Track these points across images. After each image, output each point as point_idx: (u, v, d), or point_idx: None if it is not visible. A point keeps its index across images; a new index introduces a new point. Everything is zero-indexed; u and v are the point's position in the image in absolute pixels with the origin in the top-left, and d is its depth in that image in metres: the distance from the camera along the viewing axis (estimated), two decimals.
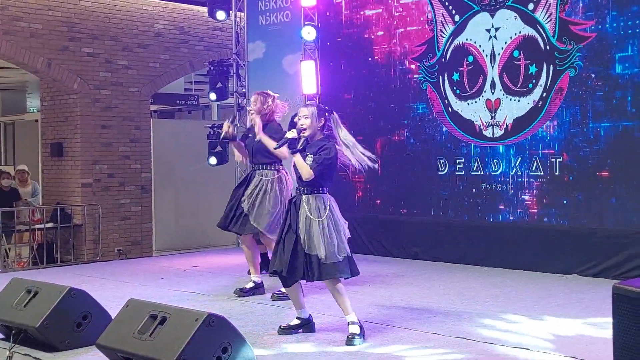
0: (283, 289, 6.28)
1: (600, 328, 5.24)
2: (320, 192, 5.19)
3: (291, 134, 5.25)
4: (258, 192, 6.65)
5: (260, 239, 7.08)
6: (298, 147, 5.20)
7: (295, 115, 5.37)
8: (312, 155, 5.15)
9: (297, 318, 5.38)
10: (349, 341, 5.06)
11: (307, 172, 5.12)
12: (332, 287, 5.16)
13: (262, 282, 6.92)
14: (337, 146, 5.19)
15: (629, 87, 7.21)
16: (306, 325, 5.38)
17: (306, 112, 5.24)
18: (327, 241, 5.07)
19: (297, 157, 5.18)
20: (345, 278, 5.18)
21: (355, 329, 5.12)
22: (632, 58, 7.16)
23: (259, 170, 6.73)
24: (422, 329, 5.45)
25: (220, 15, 10.80)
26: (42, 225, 10.56)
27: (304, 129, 5.21)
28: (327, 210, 5.15)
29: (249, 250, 6.91)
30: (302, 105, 5.46)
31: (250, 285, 6.86)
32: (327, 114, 5.26)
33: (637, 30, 7.10)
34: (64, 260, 10.43)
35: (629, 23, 7.15)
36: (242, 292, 6.79)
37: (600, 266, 7.32)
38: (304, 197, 5.19)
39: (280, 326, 5.40)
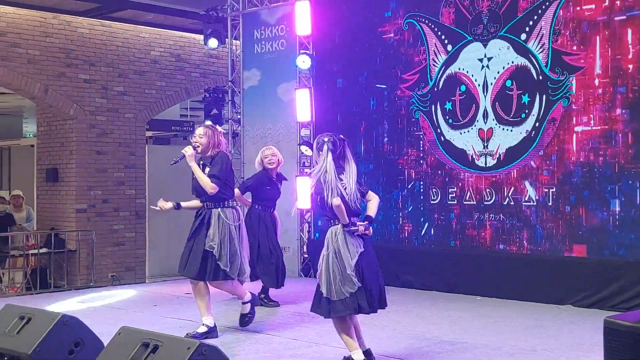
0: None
1: None
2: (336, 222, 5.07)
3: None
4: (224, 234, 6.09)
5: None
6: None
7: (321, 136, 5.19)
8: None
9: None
10: None
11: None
12: None
13: (215, 325, 6.21)
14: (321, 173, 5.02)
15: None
16: None
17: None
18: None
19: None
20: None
21: None
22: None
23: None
24: (413, 359, 5.44)
25: (213, 42, 10.70)
26: (35, 251, 10.54)
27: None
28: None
29: (205, 293, 6.18)
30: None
31: (202, 329, 6.07)
32: (343, 142, 5.11)
33: None
34: (57, 285, 10.40)
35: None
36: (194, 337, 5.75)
37: (594, 297, 7.28)
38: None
39: None
